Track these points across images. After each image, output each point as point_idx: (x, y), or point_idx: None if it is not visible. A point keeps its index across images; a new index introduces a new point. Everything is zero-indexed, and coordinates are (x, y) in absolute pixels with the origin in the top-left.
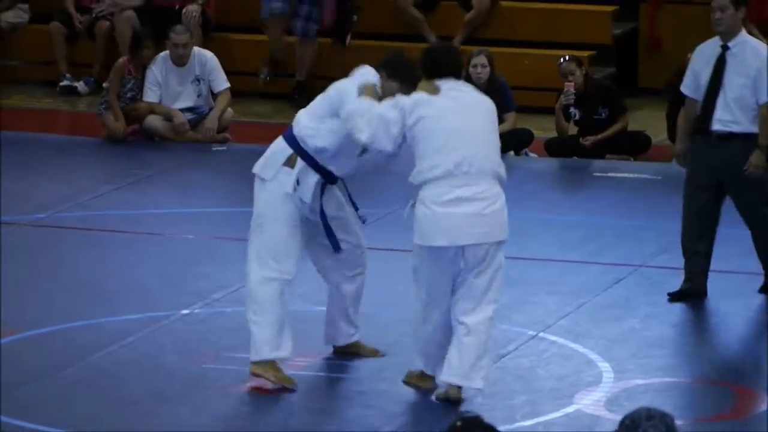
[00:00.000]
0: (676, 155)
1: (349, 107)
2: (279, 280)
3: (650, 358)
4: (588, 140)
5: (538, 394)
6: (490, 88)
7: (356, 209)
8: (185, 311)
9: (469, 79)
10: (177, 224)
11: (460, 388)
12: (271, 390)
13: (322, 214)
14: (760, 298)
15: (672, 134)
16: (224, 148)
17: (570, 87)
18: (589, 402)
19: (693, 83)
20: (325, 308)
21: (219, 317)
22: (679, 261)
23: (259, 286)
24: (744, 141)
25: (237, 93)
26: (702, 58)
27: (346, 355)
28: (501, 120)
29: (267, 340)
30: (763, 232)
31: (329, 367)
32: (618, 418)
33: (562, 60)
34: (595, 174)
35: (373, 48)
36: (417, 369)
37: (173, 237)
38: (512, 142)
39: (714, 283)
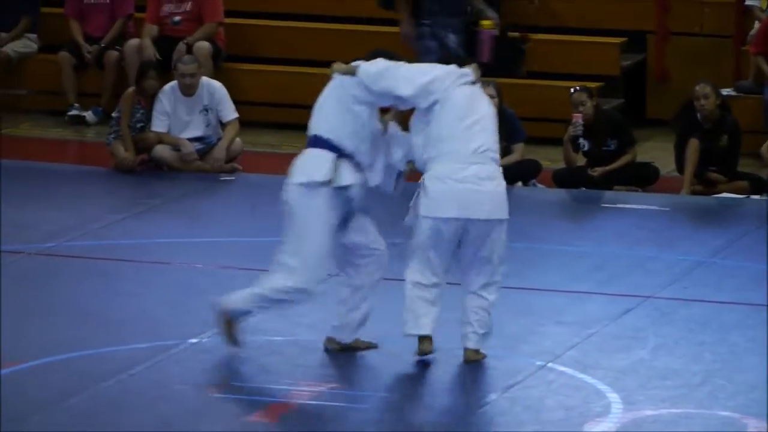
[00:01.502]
0: None
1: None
2: (305, 291)
3: (659, 389)
4: (596, 171)
5: (547, 425)
6: (498, 119)
7: None
8: (193, 340)
9: None
10: (185, 253)
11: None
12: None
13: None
14: (761, 330)
15: (680, 166)
16: (233, 177)
17: (578, 118)
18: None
19: None
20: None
21: (227, 347)
22: (687, 292)
23: (279, 293)
24: None
25: (246, 123)
26: None
27: (344, 351)
28: (509, 151)
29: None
30: None
31: (338, 398)
32: None
33: (573, 90)
34: (603, 205)
35: None
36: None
37: (181, 266)
38: (520, 173)
39: (722, 315)
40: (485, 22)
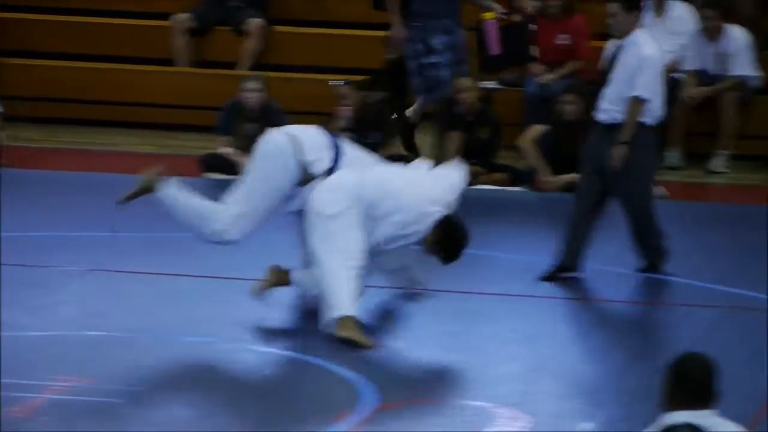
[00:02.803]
0: None
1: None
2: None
3: (413, 380)
4: None
5: (300, 416)
6: (263, 112)
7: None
8: None
9: (241, 104)
10: None
11: None
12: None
13: None
14: (520, 322)
15: (441, 158)
16: None
17: (346, 111)
18: (350, 423)
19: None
20: (91, 332)
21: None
22: (445, 284)
23: (212, 214)
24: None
25: (10, 118)
26: (608, 54)
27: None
28: None
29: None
30: (637, 222)
31: (92, 392)
32: None
33: (337, 83)
34: None
35: (144, 72)
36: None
37: None
38: None
39: (479, 305)
40: (487, 14)
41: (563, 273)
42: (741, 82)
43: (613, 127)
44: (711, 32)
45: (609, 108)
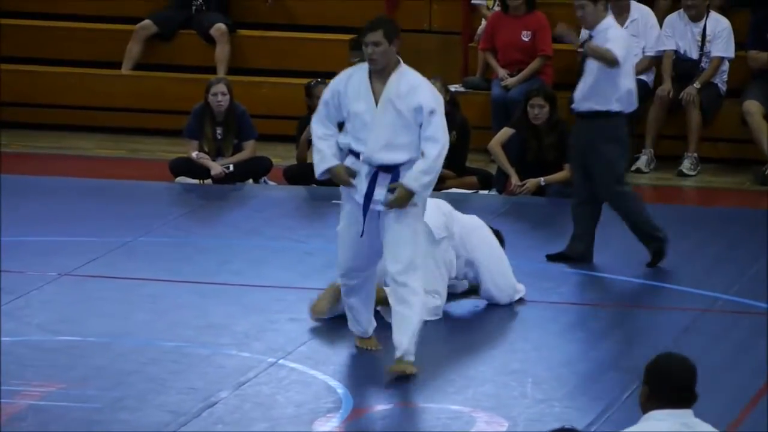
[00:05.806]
0: None
1: None
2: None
3: (389, 385)
4: None
5: (278, 422)
6: (229, 116)
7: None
8: None
9: (209, 108)
10: None
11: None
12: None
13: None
14: (496, 328)
15: None
16: None
17: None
18: (329, 428)
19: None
20: (65, 337)
21: None
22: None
23: None
24: (596, 119)
25: None
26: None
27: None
28: (240, 148)
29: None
30: (621, 210)
31: (67, 397)
32: None
33: (313, 83)
34: (334, 201)
35: (110, 76)
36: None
37: None
38: (251, 170)
39: (453, 310)
40: None
41: (570, 261)
42: (710, 83)
43: (590, 116)
44: (695, 13)
45: (581, 98)
